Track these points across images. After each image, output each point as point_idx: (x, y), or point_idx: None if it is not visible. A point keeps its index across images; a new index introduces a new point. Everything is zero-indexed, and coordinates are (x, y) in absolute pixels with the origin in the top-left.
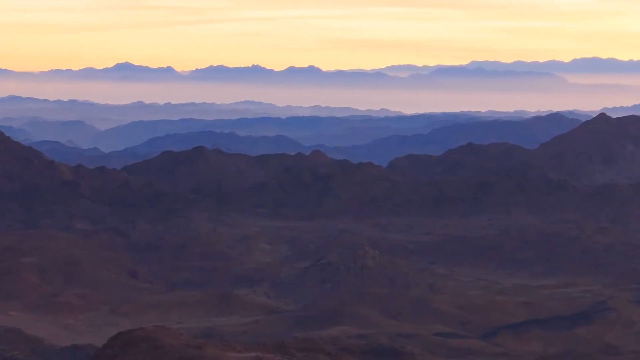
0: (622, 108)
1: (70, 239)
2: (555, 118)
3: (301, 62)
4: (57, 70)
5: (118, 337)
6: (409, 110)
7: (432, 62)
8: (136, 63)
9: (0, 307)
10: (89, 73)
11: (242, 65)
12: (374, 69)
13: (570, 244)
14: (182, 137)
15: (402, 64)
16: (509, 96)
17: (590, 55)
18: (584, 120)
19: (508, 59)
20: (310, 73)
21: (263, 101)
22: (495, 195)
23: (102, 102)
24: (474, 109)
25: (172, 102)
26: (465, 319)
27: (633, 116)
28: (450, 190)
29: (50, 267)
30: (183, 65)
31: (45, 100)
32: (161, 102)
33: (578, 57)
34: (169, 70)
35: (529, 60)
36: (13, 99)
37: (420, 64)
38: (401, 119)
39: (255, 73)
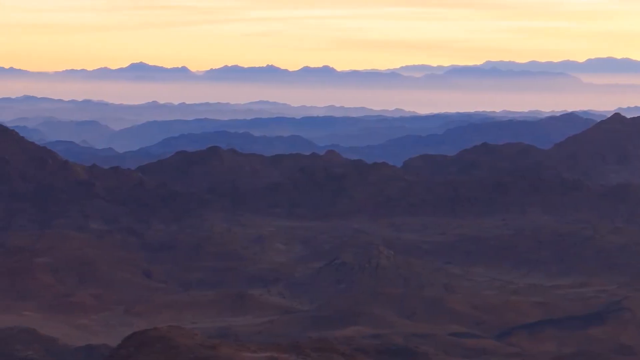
0: (636, 108)
1: (84, 239)
2: (569, 118)
3: (316, 62)
4: (72, 71)
5: (132, 337)
6: (424, 110)
7: (447, 62)
8: (151, 63)
9: (14, 307)
10: (104, 73)
11: (257, 65)
12: (388, 69)
13: (584, 244)
14: (197, 137)
15: (416, 64)
16: (523, 96)
17: (604, 55)
18: (598, 121)
19: (523, 59)
20: (325, 73)
21: (278, 101)
22: (509, 195)
23: (117, 102)
24: (488, 109)
25: (187, 102)
26: (480, 319)
27: None
28: (465, 190)
29: (65, 267)
30: (198, 65)
31: (60, 100)
32: (176, 102)
33: (592, 57)
34: (183, 70)
35: (543, 60)
36: (28, 99)
37: (434, 64)
38: (416, 119)
39: (270, 73)
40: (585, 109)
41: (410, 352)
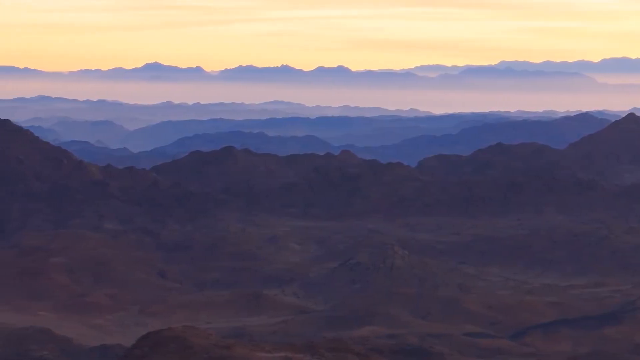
0: None
1: (99, 239)
2: (584, 118)
3: (330, 62)
4: (87, 70)
5: (147, 337)
6: (438, 110)
7: (462, 62)
8: (165, 63)
9: (29, 307)
10: (118, 73)
11: (272, 65)
12: (403, 69)
13: (599, 244)
14: (211, 137)
15: (431, 64)
16: (538, 96)
17: (619, 55)
18: (613, 120)
19: (537, 59)
20: (340, 73)
21: (292, 101)
22: (524, 195)
23: (131, 102)
24: (503, 109)
25: (202, 102)
26: (495, 318)
27: None
28: (480, 190)
29: (80, 267)
30: (212, 65)
31: (75, 100)
32: (190, 102)
33: (607, 57)
34: (198, 70)
35: (558, 60)
36: (42, 99)
37: (449, 64)
38: (430, 119)
39: (285, 73)
40: (599, 109)
41: (425, 352)
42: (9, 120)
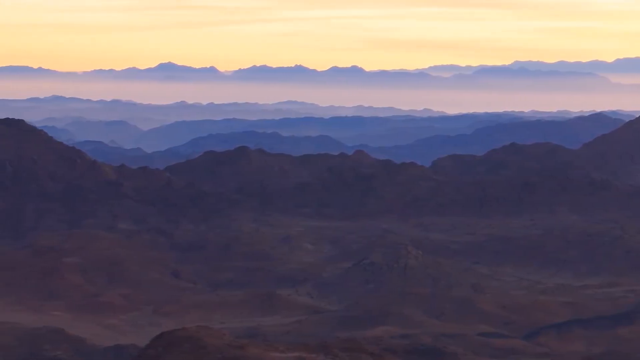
0: None
1: (113, 239)
2: (598, 118)
3: (344, 62)
4: (100, 71)
5: (161, 337)
6: (452, 110)
7: (475, 62)
8: (179, 63)
9: (43, 307)
10: (132, 73)
11: (285, 65)
12: (417, 69)
13: (613, 243)
14: (225, 137)
15: (445, 64)
16: (552, 96)
17: (633, 55)
18: (627, 120)
19: (551, 59)
20: (354, 73)
21: (306, 101)
22: (538, 195)
23: (145, 102)
24: (517, 109)
25: (215, 102)
26: (509, 319)
27: None
28: (493, 190)
29: (93, 267)
30: (226, 65)
31: (89, 100)
32: (204, 102)
33: (621, 57)
34: (212, 70)
35: (572, 60)
36: (56, 99)
37: (463, 64)
38: (444, 119)
39: (298, 73)
40: (613, 108)
41: (438, 352)
42: (22, 120)
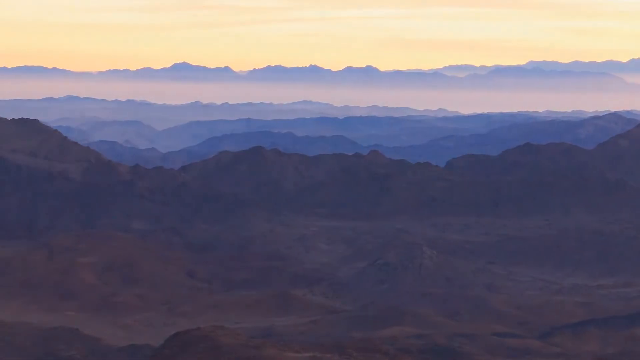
0: None
1: (128, 239)
2: (612, 118)
3: (359, 62)
4: (115, 71)
5: (176, 337)
6: (467, 110)
7: (490, 62)
8: (194, 63)
9: (58, 307)
10: (147, 73)
11: (300, 65)
12: (431, 69)
13: (627, 244)
14: (240, 137)
15: (459, 64)
16: (566, 96)
17: None
18: None
19: (566, 59)
20: (368, 73)
21: (320, 101)
22: (552, 195)
23: (160, 102)
24: (531, 109)
25: (230, 102)
26: (523, 319)
27: None
28: (508, 190)
29: (108, 267)
30: (241, 65)
31: (103, 101)
32: (219, 102)
33: (636, 57)
34: (226, 70)
35: (586, 60)
36: (71, 99)
37: (478, 64)
38: (459, 119)
39: (313, 73)
40: (628, 109)
41: (453, 352)
42: (37, 120)
